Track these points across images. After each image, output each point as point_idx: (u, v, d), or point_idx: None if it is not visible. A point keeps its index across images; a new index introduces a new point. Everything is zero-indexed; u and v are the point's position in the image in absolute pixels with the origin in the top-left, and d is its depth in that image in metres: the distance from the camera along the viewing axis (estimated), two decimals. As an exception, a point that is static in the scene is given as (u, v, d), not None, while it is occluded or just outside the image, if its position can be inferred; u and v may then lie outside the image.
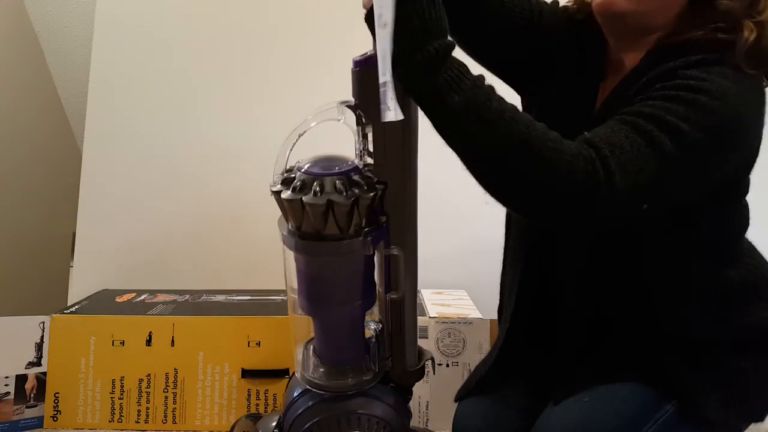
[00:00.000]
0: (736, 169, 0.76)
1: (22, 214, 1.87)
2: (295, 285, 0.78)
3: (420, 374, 0.86)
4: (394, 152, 0.72)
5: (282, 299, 1.44)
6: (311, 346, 0.85)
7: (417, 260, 0.80)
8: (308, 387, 0.80)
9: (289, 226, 0.73)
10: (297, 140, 0.75)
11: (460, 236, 1.67)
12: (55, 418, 1.27)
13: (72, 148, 2.07)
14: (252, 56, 1.76)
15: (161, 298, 1.46)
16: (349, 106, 0.73)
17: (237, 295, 1.49)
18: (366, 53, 0.70)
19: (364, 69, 0.69)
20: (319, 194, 0.67)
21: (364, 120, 0.73)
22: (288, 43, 1.74)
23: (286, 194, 0.70)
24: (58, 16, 1.95)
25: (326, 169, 0.70)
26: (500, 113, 0.63)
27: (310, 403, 0.80)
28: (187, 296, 1.48)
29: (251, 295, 1.49)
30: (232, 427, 1.04)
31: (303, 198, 0.68)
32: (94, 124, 1.75)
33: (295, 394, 0.83)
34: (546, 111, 0.83)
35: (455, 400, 0.97)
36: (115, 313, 1.33)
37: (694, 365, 0.77)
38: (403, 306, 0.79)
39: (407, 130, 0.72)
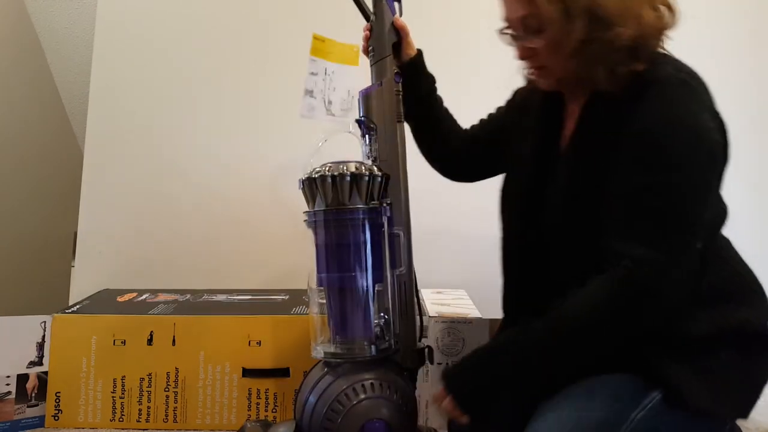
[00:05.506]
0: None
1: (24, 214, 1.88)
2: (314, 284, 0.96)
3: (420, 357, 0.97)
4: (393, 153, 1.00)
5: (282, 299, 1.44)
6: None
7: (411, 241, 1.00)
8: (326, 361, 0.94)
9: (317, 207, 0.93)
10: (321, 145, 1.00)
11: (459, 236, 1.68)
12: (56, 418, 1.28)
13: (73, 148, 2.07)
14: (253, 58, 1.76)
15: (162, 297, 1.46)
16: (357, 121, 1.02)
17: (238, 295, 1.49)
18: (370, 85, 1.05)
19: (366, 95, 1.03)
20: (345, 171, 0.90)
21: (369, 130, 1.00)
22: (289, 45, 1.75)
23: (319, 174, 0.91)
24: (60, 18, 1.96)
25: (346, 161, 0.94)
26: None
27: (330, 380, 0.90)
28: (188, 296, 1.48)
29: (252, 295, 1.49)
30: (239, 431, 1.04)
31: (334, 173, 0.90)
32: (96, 124, 1.76)
33: (312, 382, 0.93)
34: (518, 161, 0.99)
35: None
36: (117, 313, 1.33)
37: (676, 356, 0.81)
38: (405, 283, 0.96)
39: (399, 141, 1.02)
